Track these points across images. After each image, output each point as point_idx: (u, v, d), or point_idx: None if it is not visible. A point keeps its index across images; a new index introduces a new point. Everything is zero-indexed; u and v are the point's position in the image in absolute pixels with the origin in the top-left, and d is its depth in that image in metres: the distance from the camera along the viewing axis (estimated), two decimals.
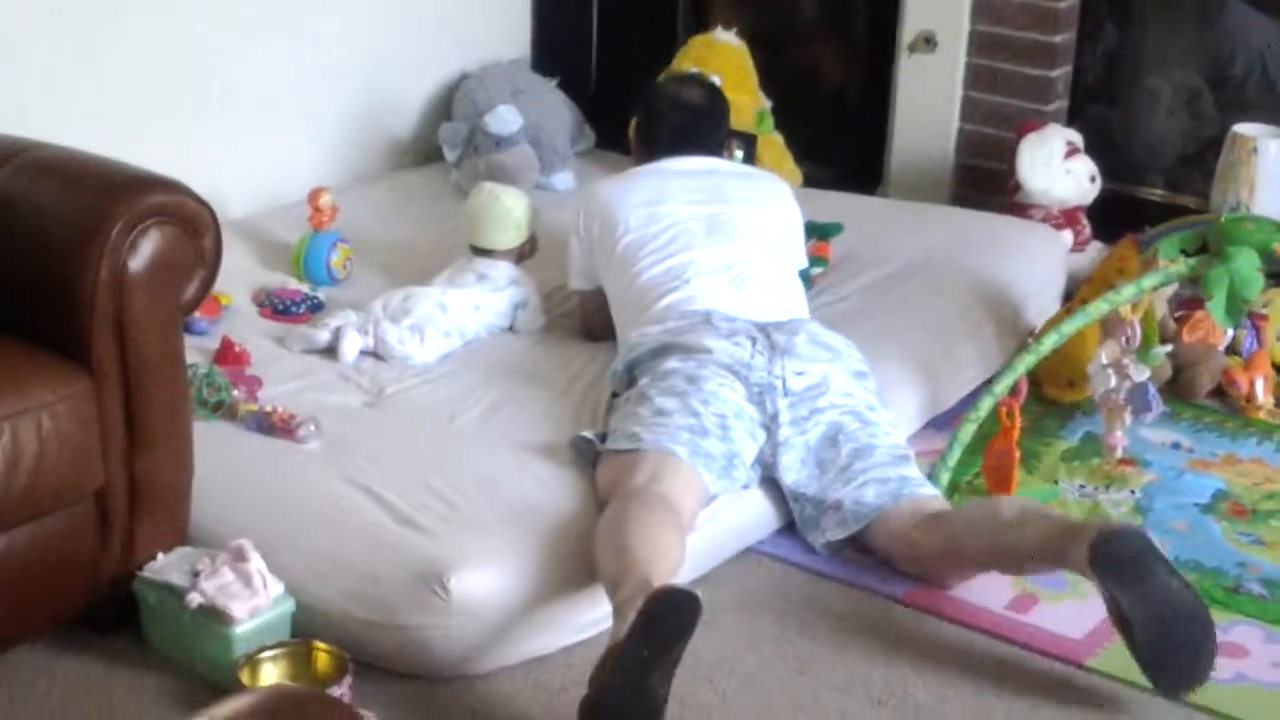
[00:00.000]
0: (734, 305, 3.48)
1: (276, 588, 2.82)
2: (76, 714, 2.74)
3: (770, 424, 3.29)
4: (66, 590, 2.80)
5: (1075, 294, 4.15)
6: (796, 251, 3.77)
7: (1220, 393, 4.02)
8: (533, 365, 3.69)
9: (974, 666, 2.98)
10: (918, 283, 4.11)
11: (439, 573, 2.81)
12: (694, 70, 4.29)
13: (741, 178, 3.86)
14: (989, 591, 3.16)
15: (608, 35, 5.36)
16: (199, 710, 1.44)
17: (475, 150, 4.64)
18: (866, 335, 3.61)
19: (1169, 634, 2.76)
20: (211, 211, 2.86)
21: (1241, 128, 4.44)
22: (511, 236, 3.90)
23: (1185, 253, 3.53)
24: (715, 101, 3.92)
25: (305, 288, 3.96)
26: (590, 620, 2.96)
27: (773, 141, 4.73)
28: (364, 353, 3.66)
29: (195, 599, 2.76)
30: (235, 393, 3.37)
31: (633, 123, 3.96)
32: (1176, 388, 4.00)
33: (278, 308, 3.88)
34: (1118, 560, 2.78)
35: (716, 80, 4.26)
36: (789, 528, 3.35)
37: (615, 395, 3.47)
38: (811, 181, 4.74)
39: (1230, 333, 3.62)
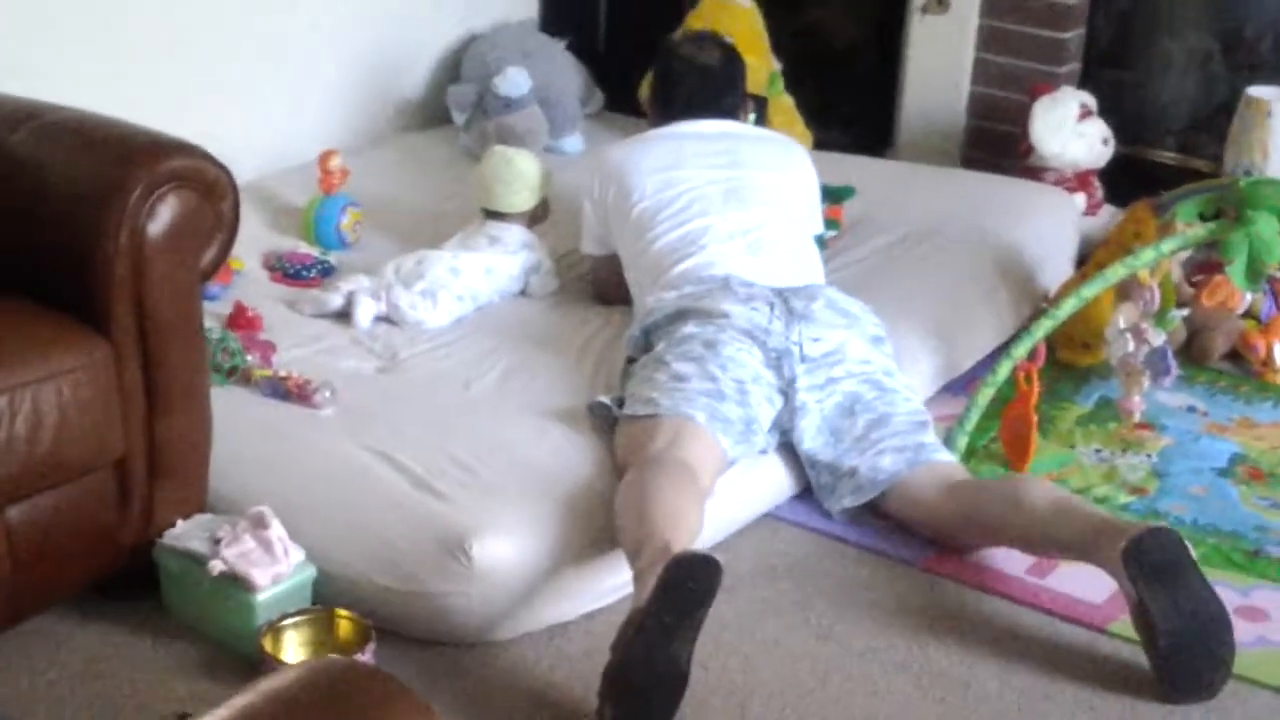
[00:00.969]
0: (751, 271, 3.45)
1: (297, 555, 2.81)
2: (98, 682, 2.73)
3: (787, 389, 3.27)
4: (87, 558, 2.78)
5: (1089, 258, 4.14)
6: (814, 216, 3.75)
7: (1234, 356, 4.01)
8: (546, 330, 3.67)
9: (996, 631, 2.97)
10: (931, 246, 4.09)
11: (461, 539, 2.80)
12: (708, 31, 4.25)
13: (758, 141, 3.83)
14: (1007, 556, 3.15)
15: None
16: (246, 686, 1.42)
17: (484, 113, 4.61)
18: (880, 299, 3.59)
19: (1193, 644, 2.74)
20: (230, 176, 2.84)
21: (1255, 90, 4.42)
22: (525, 199, 3.87)
23: (1203, 216, 3.51)
24: (732, 63, 3.87)
25: (316, 252, 3.94)
26: (611, 586, 2.95)
27: (783, 104, 4.70)
28: (377, 318, 3.64)
29: (217, 566, 2.74)
30: (249, 358, 3.35)
31: (646, 84, 3.92)
32: (1191, 351, 4.00)
33: (288, 272, 3.86)
34: (1152, 564, 2.75)
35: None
36: (805, 493, 3.34)
37: (631, 360, 3.45)
38: (821, 144, 4.70)
39: (1248, 297, 3.60)
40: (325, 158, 4.04)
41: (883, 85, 5.05)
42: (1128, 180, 4.62)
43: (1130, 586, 2.79)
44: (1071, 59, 4.82)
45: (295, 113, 4.51)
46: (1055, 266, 4.23)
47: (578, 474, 3.06)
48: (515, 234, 3.84)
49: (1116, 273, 3.43)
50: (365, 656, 2.69)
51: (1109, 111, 4.65)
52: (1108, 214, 4.58)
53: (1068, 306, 3.46)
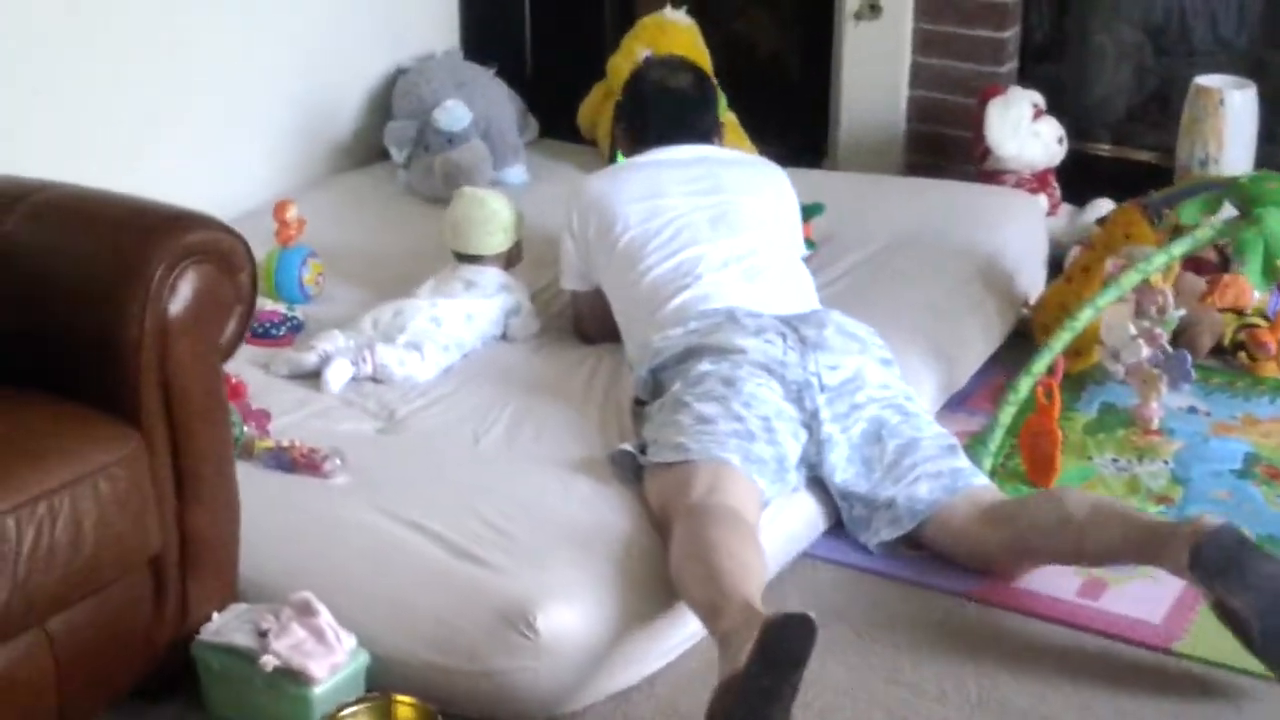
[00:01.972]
0: (752, 300, 3.35)
1: (350, 641, 2.65)
2: None
3: (811, 422, 3.17)
4: (124, 664, 2.60)
5: (1065, 261, 4.09)
6: (797, 238, 3.66)
7: (1218, 350, 3.97)
8: (539, 374, 3.53)
9: (1060, 660, 2.90)
10: (908, 260, 4.01)
11: (523, 610, 2.65)
12: (675, 55, 4.13)
13: (736, 165, 3.72)
14: (1055, 580, 3.08)
15: (540, 17, 5.17)
16: None
17: (425, 149, 4.45)
18: (870, 318, 3.47)
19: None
20: (246, 245, 2.68)
21: (1204, 80, 4.41)
22: (500, 240, 3.73)
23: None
24: (704, 85, 3.77)
25: (282, 308, 3.76)
26: (670, 646, 2.84)
27: (729, 121, 4.60)
28: (355, 379, 3.46)
29: (270, 661, 2.58)
30: (246, 428, 3.17)
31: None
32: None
33: (257, 331, 3.65)
34: (1217, 563, 2.72)
35: None
36: (835, 528, 3.24)
37: (639, 402, 3.33)
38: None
39: (1257, 295, 3.58)
40: (281, 208, 3.86)
41: (814, 94, 4.97)
42: (1075, 177, 4.60)
43: (1204, 587, 2.76)
44: (1010, 58, 4.78)
45: (229, 161, 4.31)
46: (1029, 271, 4.17)
47: (616, 528, 2.93)
48: (491, 276, 3.70)
49: (1131, 279, 3.38)
50: None
51: (1049, 109, 4.60)
52: (1066, 213, 4.54)
53: (1084, 317, 3.40)
